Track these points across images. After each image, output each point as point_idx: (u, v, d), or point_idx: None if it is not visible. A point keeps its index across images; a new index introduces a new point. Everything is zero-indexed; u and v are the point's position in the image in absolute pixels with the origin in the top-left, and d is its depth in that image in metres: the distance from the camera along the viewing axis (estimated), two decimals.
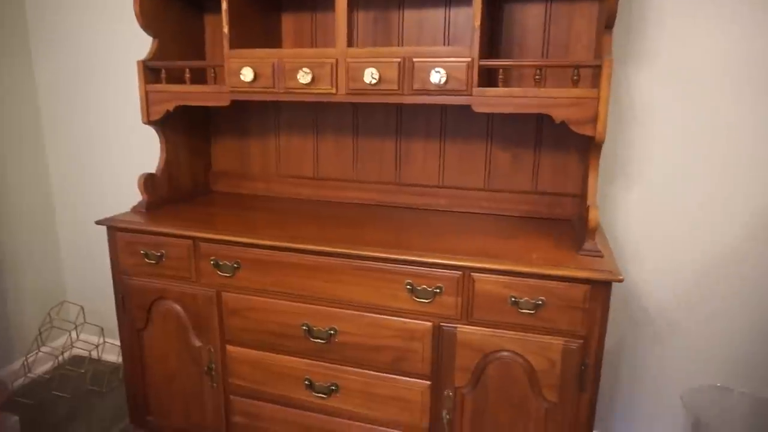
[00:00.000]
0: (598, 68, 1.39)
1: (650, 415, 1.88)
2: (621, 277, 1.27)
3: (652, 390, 1.86)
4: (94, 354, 2.51)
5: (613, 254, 1.48)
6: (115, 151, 2.34)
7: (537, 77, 1.44)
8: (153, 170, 1.89)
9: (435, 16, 1.78)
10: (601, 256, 1.39)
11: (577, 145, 1.73)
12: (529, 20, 1.70)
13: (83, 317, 2.52)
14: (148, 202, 1.83)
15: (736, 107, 1.61)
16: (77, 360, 2.53)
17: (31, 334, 2.41)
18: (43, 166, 2.43)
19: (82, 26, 2.24)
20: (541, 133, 1.77)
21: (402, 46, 1.82)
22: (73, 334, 2.53)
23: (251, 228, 1.65)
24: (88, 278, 2.51)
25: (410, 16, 1.80)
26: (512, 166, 1.82)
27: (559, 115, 1.42)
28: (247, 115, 2.07)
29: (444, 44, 1.78)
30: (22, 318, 2.38)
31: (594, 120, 1.39)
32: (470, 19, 1.70)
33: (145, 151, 2.22)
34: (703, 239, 1.72)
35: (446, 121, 1.85)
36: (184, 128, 1.99)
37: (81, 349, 2.53)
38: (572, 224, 1.72)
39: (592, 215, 1.39)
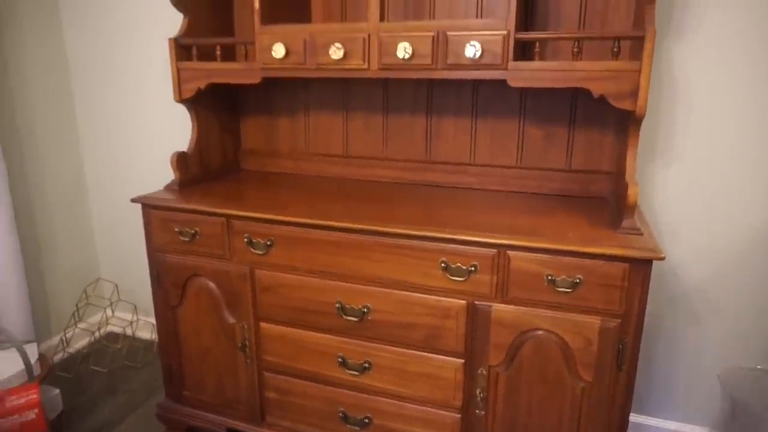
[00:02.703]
0: (639, 40, 1.35)
1: (686, 394, 1.86)
2: (662, 255, 1.24)
3: (689, 369, 1.83)
4: (128, 331, 2.56)
5: (653, 232, 1.45)
6: (147, 129, 2.35)
7: (575, 50, 1.39)
8: (184, 148, 1.91)
9: None
10: (641, 234, 1.36)
11: (614, 121, 1.68)
12: None
13: (117, 295, 2.58)
14: (181, 180, 1.85)
15: None
16: (112, 336, 2.59)
17: (69, 311, 2.47)
18: (76, 145, 2.47)
19: (115, 1, 2.24)
20: (575, 109, 1.73)
21: (434, 18, 1.79)
22: (108, 311, 2.59)
23: (283, 206, 1.66)
24: (121, 257, 2.56)
25: None
26: (545, 143, 1.78)
27: (597, 88, 1.38)
28: (276, 93, 2.06)
29: (477, 17, 1.74)
30: (60, 295, 2.44)
31: (634, 94, 1.35)
32: None
33: (176, 128, 2.24)
34: (742, 217, 1.67)
35: (478, 97, 1.81)
36: (214, 106, 1.99)
37: (115, 326, 2.59)
38: (607, 202, 1.69)
39: (632, 192, 1.35)
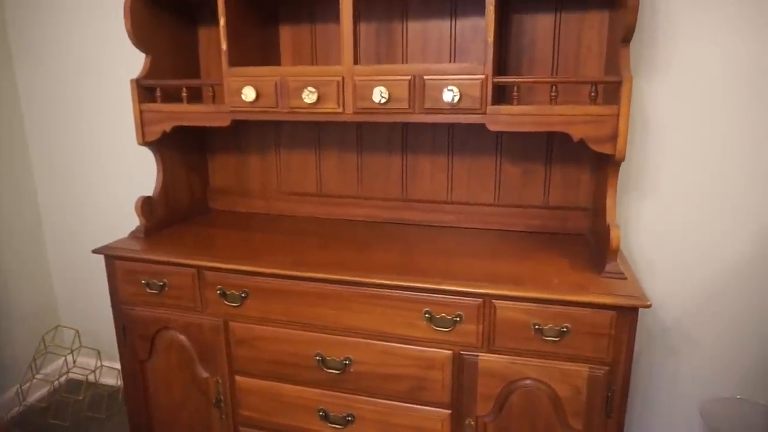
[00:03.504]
0: (616, 84, 1.35)
1: (668, 428, 1.86)
2: (648, 303, 1.23)
3: (669, 402, 1.84)
4: (92, 378, 2.42)
5: (635, 273, 1.44)
6: (106, 171, 2.25)
7: (553, 94, 1.38)
8: (147, 189, 1.82)
9: (440, 27, 1.72)
10: (625, 278, 1.36)
11: (589, 158, 1.69)
12: (538, 31, 1.65)
13: (79, 341, 2.44)
14: (147, 227, 1.76)
15: (751, 118, 1.58)
16: (74, 384, 2.45)
17: (25, 361, 2.32)
18: (31, 187, 2.34)
19: (70, 39, 2.14)
20: (552, 146, 1.72)
21: (406, 58, 1.76)
22: (69, 359, 2.44)
23: (257, 253, 1.59)
24: (82, 300, 2.43)
25: (414, 27, 1.74)
26: (522, 180, 1.77)
27: (577, 133, 1.37)
28: (246, 130, 1.99)
29: (450, 56, 1.72)
30: (15, 345, 2.29)
31: (614, 138, 1.34)
32: (477, 30, 1.66)
33: (140, 169, 2.14)
34: (717, 250, 1.69)
35: (454, 135, 1.79)
36: (180, 145, 1.91)
37: (78, 373, 2.44)
38: (586, 239, 1.68)
39: (614, 235, 1.35)
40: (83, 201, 2.31)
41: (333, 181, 1.95)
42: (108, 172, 2.24)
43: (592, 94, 1.36)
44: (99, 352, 2.42)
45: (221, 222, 1.94)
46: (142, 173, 2.12)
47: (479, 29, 1.67)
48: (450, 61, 1.72)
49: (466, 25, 1.69)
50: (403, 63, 1.77)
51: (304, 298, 1.48)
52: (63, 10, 2.11)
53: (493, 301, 1.34)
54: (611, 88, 1.42)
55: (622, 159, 1.36)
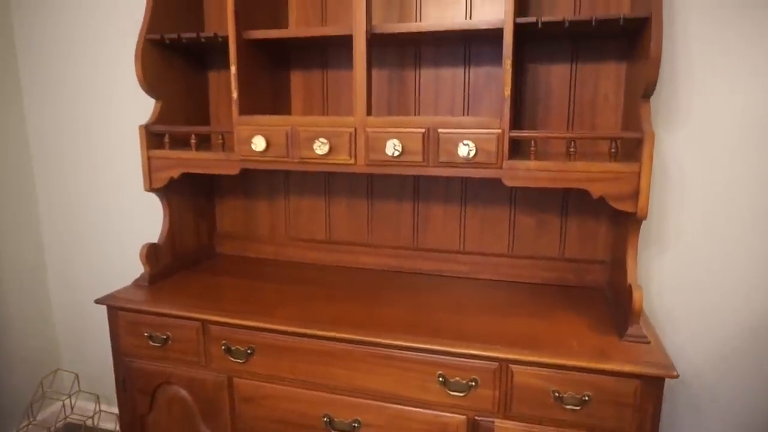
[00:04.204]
0: (634, 141, 1.31)
1: None
2: (675, 374, 1.17)
3: None
4: (90, 423, 2.35)
5: (657, 335, 1.38)
6: (113, 213, 2.21)
7: (572, 150, 1.34)
8: (154, 232, 1.79)
9: (454, 74, 1.69)
10: (648, 342, 1.29)
11: (607, 210, 1.64)
12: (553, 81, 1.62)
13: (78, 385, 2.38)
14: (151, 275, 1.71)
15: None
16: (72, 429, 2.37)
17: (22, 406, 2.25)
18: (36, 228, 2.30)
19: (81, 79, 2.13)
20: (567, 197, 1.68)
21: (419, 106, 1.74)
22: (68, 403, 2.38)
23: (264, 306, 1.54)
24: (83, 343, 2.37)
25: (427, 75, 1.72)
26: (537, 231, 1.73)
27: (596, 190, 1.33)
28: (254, 175, 1.96)
29: (464, 104, 1.69)
30: (13, 388, 2.23)
31: (635, 195, 1.30)
32: (492, 78, 1.64)
33: (146, 213, 2.10)
34: (741, 303, 1.62)
35: (467, 184, 1.75)
36: (188, 189, 1.88)
37: (76, 419, 2.37)
38: (604, 295, 1.62)
39: (637, 297, 1.29)
40: (88, 243, 2.28)
41: (343, 228, 1.91)
42: (114, 215, 2.21)
43: (612, 150, 1.32)
44: (98, 397, 2.35)
45: (228, 268, 1.89)
46: (149, 217, 2.09)
47: (493, 77, 1.65)
48: (464, 110, 1.70)
49: (480, 72, 1.67)
50: (415, 111, 1.74)
51: (313, 356, 1.42)
52: (74, 51, 2.11)
53: (510, 365, 1.28)
54: (632, 143, 1.38)
55: (644, 218, 1.31)
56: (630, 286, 1.32)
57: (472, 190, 1.75)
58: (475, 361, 1.29)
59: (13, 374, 2.23)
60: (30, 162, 2.26)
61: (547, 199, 1.69)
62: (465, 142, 1.36)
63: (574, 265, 1.70)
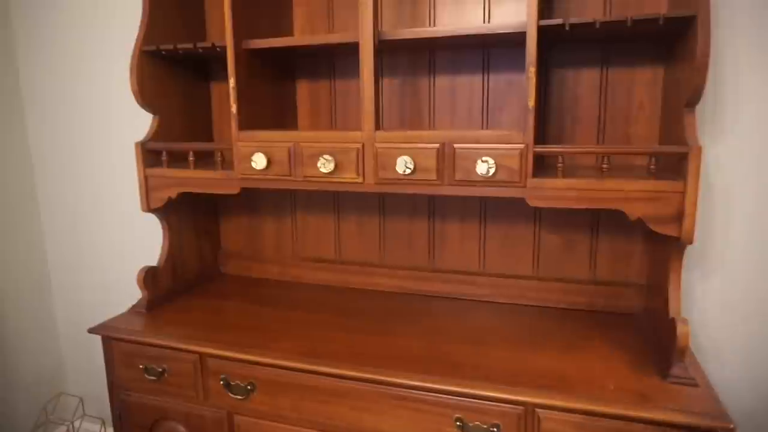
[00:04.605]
0: (678, 155, 1.16)
1: None
2: (731, 425, 1.01)
3: None
4: None
5: (705, 374, 1.22)
6: (117, 234, 2.12)
7: (605, 167, 1.20)
8: (154, 254, 1.68)
9: (471, 83, 1.56)
10: (696, 385, 1.14)
11: (642, 228, 1.48)
12: (582, 88, 1.47)
13: (83, 410, 2.29)
14: (149, 301, 1.61)
15: None
16: None
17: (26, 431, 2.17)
18: (41, 248, 2.23)
19: (82, 94, 2.04)
20: (599, 214, 1.53)
21: (434, 117, 1.60)
22: (73, 427, 2.29)
23: (266, 336, 1.42)
24: (88, 366, 2.28)
25: (442, 83, 1.59)
26: (564, 251, 1.58)
27: (634, 211, 1.18)
28: (260, 193, 1.85)
29: (483, 116, 1.56)
30: (15, 414, 2.15)
31: (679, 218, 1.15)
32: (513, 86, 1.50)
33: (149, 232, 2.00)
34: None
35: (487, 201, 1.62)
36: (190, 208, 1.77)
37: None
38: (639, 321, 1.47)
39: (682, 333, 1.14)
40: (94, 263, 2.19)
41: (353, 248, 1.79)
42: (119, 234, 2.12)
43: (652, 166, 1.17)
44: (104, 421, 2.26)
45: (232, 291, 1.78)
46: (155, 235, 1.98)
47: (515, 85, 1.51)
48: (483, 122, 1.56)
49: (499, 80, 1.53)
50: (430, 122, 1.61)
51: (318, 393, 1.29)
52: (74, 65, 2.03)
53: (537, 410, 1.13)
54: (673, 157, 1.22)
55: (690, 242, 1.15)
56: (674, 320, 1.16)
57: (492, 206, 1.62)
58: (498, 404, 1.15)
59: (15, 398, 2.15)
60: (33, 179, 2.19)
61: (575, 217, 1.55)
62: (484, 158, 1.23)
63: (604, 288, 1.55)
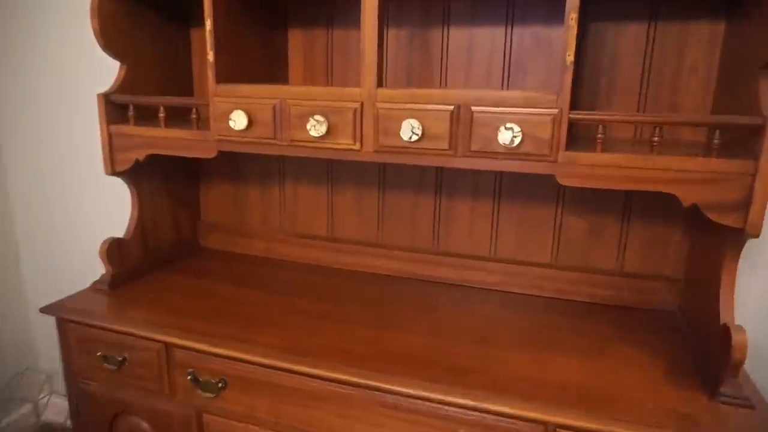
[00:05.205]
0: (751, 127, 0.94)
1: None
2: None
3: None
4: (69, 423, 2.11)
5: (760, 392, 1.03)
6: (87, 202, 1.91)
7: (656, 140, 0.98)
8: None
9: (491, 36, 1.33)
10: (752, 407, 0.95)
11: (682, 213, 1.28)
12: (622, 46, 1.24)
13: (50, 387, 2.12)
14: (114, 276, 1.41)
15: None
16: (47, 430, 2.13)
17: None
18: (9, 220, 2.02)
19: (43, 45, 1.81)
20: (632, 195, 1.32)
21: (445, 76, 1.38)
22: (42, 404, 2.13)
23: (243, 325, 1.23)
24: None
25: (457, 36, 1.35)
26: (590, 237, 1.37)
27: (688, 196, 0.97)
28: (244, 157, 1.63)
29: (503, 77, 1.33)
30: None
31: (744, 205, 0.94)
32: (540, 42, 1.27)
33: (123, 198, 1.79)
34: None
35: (503, 175, 1.40)
36: (164, 173, 1.56)
37: (51, 419, 2.12)
38: (676, 320, 1.27)
39: (739, 344, 0.94)
40: (65, 232, 1.99)
41: (348, 224, 1.58)
42: (89, 201, 1.91)
43: (715, 141, 0.95)
44: None
45: (210, 268, 1.58)
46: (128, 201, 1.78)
47: (543, 41, 1.28)
48: (502, 83, 1.33)
49: (525, 34, 1.30)
50: (441, 82, 1.38)
51: (298, 396, 1.11)
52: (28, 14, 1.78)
53: (558, 430, 0.94)
54: (736, 131, 1.01)
55: (756, 235, 0.94)
56: (727, 327, 0.96)
57: (509, 182, 1.40)
58: (511, 420, 0.96)
59: None
60: None
61: (604, 197, 1.33)
62: (508, 125, 1.01)
63: (635, 281, 1.35)
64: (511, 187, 1.40)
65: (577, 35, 1.16)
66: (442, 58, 1.38)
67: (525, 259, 1.43)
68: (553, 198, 1.38)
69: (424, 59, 1.39)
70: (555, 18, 1.26)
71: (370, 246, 1.56)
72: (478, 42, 1.34)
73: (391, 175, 1.50)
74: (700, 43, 1.19)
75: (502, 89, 1.34)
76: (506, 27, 1.31)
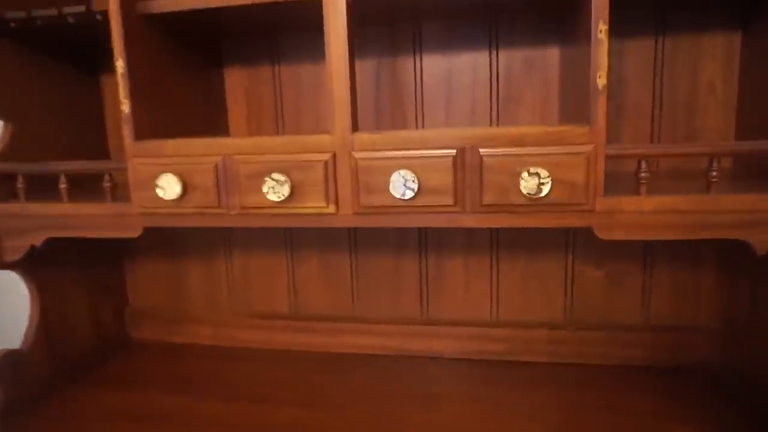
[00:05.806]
0: None
1: None
2: None
3: None
4: None
5: None
6: None
7: (713, 175, 0.78)
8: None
9: (473, 63, 1.12)
10: None
11: (712, 253, 1.10)
12: (629, 64, 1.07)
13: None
14: (6, 404, 1.05)
15: None
16: None
17: None
18: None
19: None
20: None
21: (422, 112, 1.15)
22: None
23: None
24: None
25: (432, 63, 1.14)
26: (608, 288, 1.16)
27: (764, 241, 0.77)
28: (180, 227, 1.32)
29: (491, 109, 1.12)
30: None
31: None
32: (534, 66, 1.07)
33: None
34: None
35: None
36: (75, 253, 1.23)
37: None
38: (717, 379, 1.07)
39: None
40: None
41: (314, 297, 1.30)
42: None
43: None
44: None
45: (144, 371, 1.24)
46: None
47: (536, 64, 1.09)
48: (491, 118, 1.12)
49: (514, 58, 1.10)
50: (416, 121, 1.16)
51: None
52: None
53: None
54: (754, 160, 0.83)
55: None
56: None
57: (507, 232, 1.18)
58: None
59: None
60: None
61: (621, 241, 1.13)
62: (532, 169, 0.78)
63: (665, 336, 1.14)
64: (511, 237, 1.18)
65: (569, 56, 0.96)
66: (416, 93, 1.15)
67: (533, 319, 1.20)
68: (562, 246, 1.16)
69: (394, 95, 1.16)
70: (549, 37, 1.07)
71: (343, 321, 1.28)
72: (457, 70, 1.13)
73: (363, 235, 1.24)
74: (715, 58, 1.03)
75: (491, 125, 1.12)
76: (490, 51, 1.11)
